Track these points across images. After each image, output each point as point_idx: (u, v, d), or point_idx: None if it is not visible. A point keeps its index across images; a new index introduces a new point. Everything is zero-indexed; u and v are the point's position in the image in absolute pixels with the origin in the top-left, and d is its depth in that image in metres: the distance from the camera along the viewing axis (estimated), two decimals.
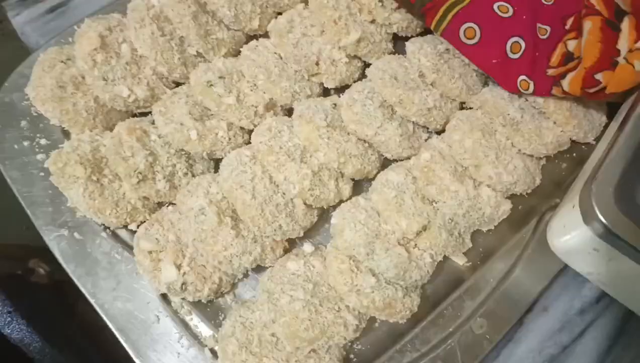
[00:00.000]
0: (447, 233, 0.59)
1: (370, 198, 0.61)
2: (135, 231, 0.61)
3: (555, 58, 0.63)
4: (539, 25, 0.65)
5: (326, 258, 0.58)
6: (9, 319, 0.81)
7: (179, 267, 0.57)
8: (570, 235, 0.53)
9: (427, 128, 0.69)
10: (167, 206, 0.63)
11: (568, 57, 0.62)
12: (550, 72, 0.63)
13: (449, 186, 0.60)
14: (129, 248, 0.61)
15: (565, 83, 0.61)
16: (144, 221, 0.61)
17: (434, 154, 0.62)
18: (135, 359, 0.55)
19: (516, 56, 0.64)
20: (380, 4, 0.69)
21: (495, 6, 0.64)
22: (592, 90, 0.59)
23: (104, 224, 0.62)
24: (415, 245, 0.59)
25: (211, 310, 0.59)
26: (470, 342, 0.57)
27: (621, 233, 0.47)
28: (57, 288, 0.99)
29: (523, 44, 0.64)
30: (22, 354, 0.81)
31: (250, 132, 0.65)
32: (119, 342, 0.58)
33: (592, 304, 0.63)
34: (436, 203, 0.61)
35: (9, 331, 0.80)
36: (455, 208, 0.59)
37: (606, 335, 0.61)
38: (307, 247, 0.61)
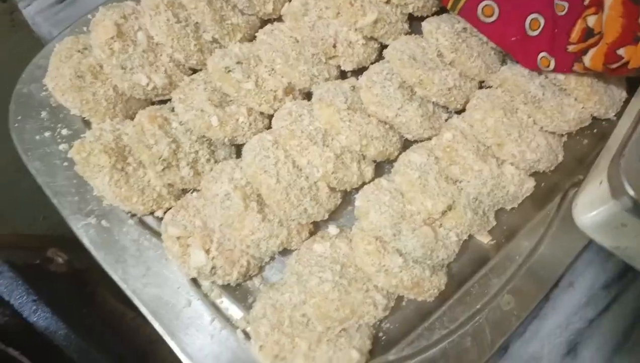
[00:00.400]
0: (472, 212, 0.59)
1: (393, 179, 0.61)
2: (161, 218, 0.61)
3: (575, 34, 0.63)
4: (556, 1, 0.64)
5: (352, 239, 0.59)
6: (34, 307, 0.82)
7: (207, 252, 0.57)
8: (598, 210, 0.53)
9: (447, 108, 0.68)
10: (192, 193, 0.63)
11: (588, 33, 0.62)
12: (571, 48, 0.62)
13: (473, 166, 0.60)
14: (157, 234, 0.61)
15: (587, 59, 0.60)
16: (170, 208, 0.62)
17: (455, 134, 0.63)
18: (170, 342, 0.56)
19: (535, 33, 0.64)
20: None
21: None
22: (614, 65, 0.58)
23: (130, 212, 0.62)
24: (441, 224, 0.59)
25: (240, 293, 0.60)
26: (499, 318, 0.58)
27: None
28: (75, 277, 1.00)
29: (542, 21, 0.64)
30: (48, 342, 0.82)
31: (270, 117, 0.65)
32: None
33: (617, 278, 0.63)
34: (460, 182, 0.61)
35: (35, 319, 0.81)
36: (480, 187, 0.60)
37: (632, 308, 0.62)
38: (332, 229, 0.61)
